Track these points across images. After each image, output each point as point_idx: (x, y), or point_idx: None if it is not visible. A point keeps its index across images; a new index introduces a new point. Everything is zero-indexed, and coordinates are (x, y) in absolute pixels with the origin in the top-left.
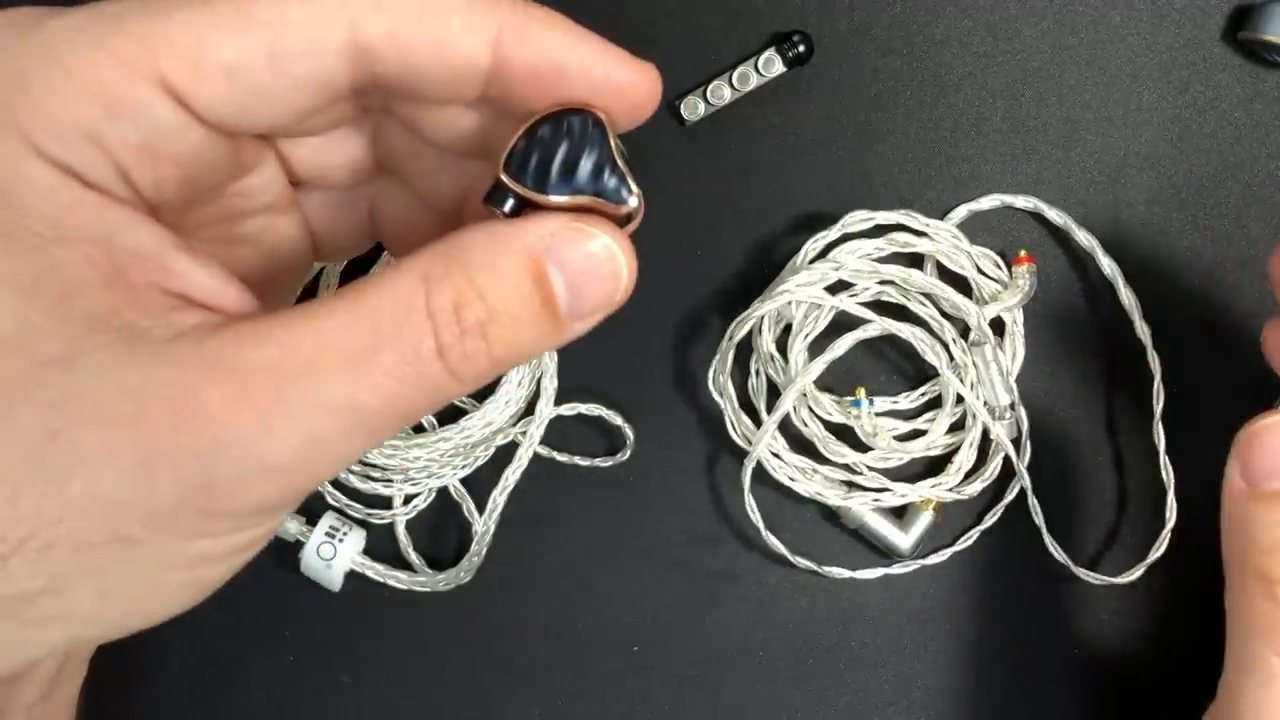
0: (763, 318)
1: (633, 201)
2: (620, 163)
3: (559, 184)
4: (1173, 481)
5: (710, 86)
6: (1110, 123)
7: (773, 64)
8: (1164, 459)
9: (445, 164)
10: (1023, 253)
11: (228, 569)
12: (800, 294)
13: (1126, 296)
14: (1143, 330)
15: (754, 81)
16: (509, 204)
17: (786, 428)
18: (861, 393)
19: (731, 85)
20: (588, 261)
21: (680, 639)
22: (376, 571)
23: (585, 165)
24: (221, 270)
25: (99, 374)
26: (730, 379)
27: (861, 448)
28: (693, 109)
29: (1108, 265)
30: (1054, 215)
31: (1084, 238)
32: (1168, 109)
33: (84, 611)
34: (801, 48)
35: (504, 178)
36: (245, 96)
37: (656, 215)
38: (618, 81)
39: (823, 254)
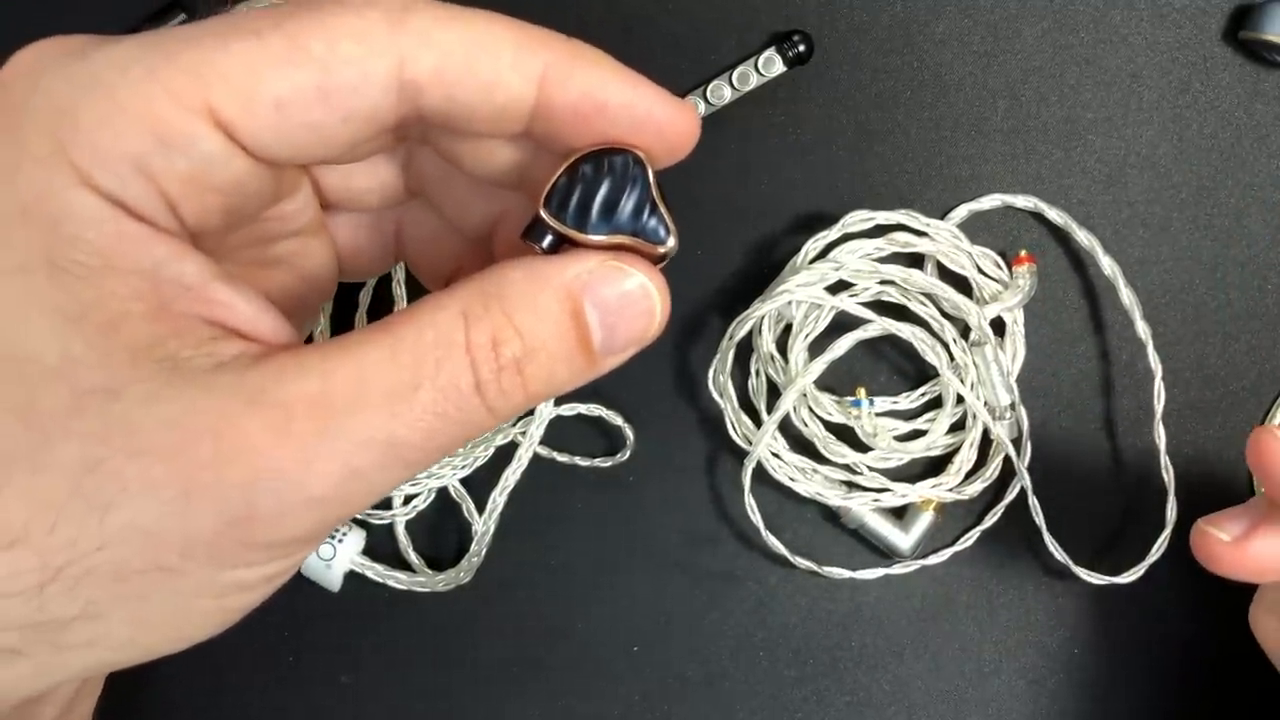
0: (763, 318)
1: (670, 242)
2: (659, 203)
3: (599, 223)
4: (1173, 481)
5: (710, 86)
6: (1110, 122)
7: (773, 64)
8: (1164, 459)
9: (477, 192)
10: (1023, 252)
11: (260, 596)
12: (800, 294)
13: (1126, 296)
14: (1143, 330)
15: (754, 81)
16: (547, 240)
17: (786, 428)
18: (862, 393)
19: (731, 85)
20: (623, 300)
21: (680, 639)
22: (376, 572)
23: (625, 205)
24: (260, 300)
25: (141, 405)
26: (730, 379)
27: (862, 448)
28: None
29: (1108, 265)
30: (1054, 215)
31: (1084, 237)
32: (1168, 108)
33: (117, 638)
34: (801, 47)
35: (544, 215)
36: (293, 130)
37: None
38: (659, 120)
39: (823, 254)
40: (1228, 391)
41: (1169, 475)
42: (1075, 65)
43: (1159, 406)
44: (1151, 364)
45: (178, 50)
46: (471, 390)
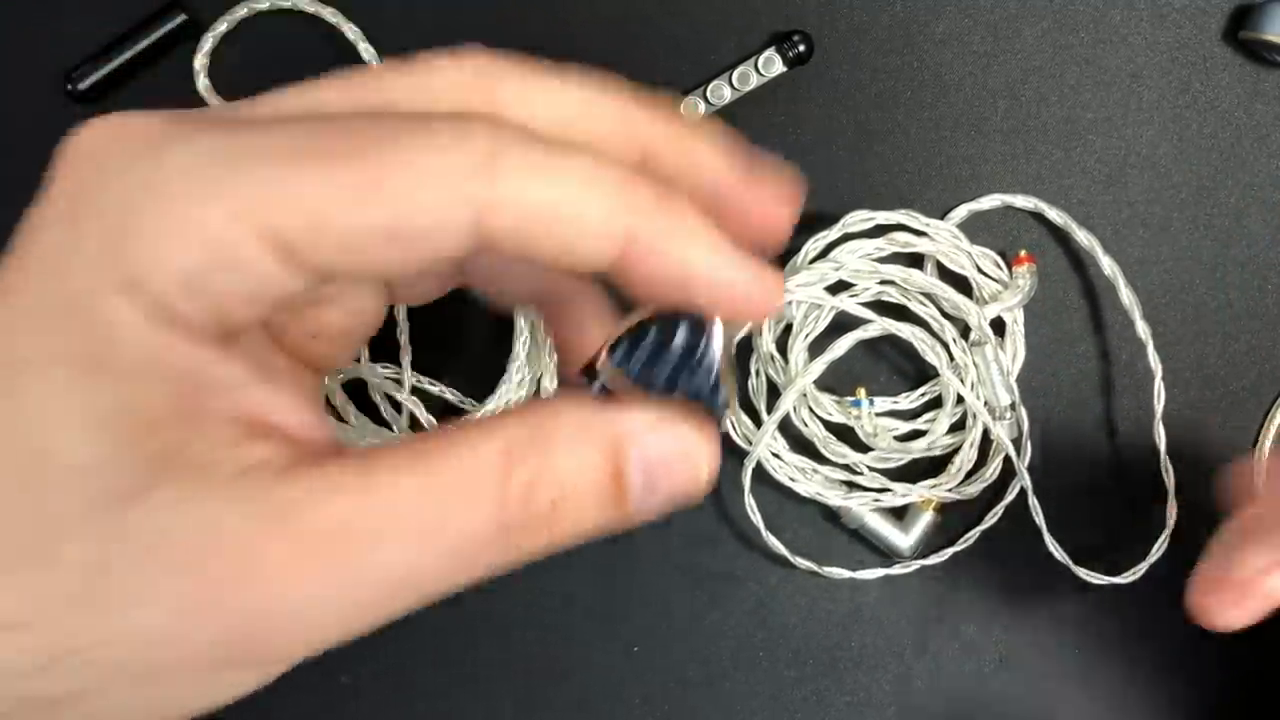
0: None
1: (727, 414)
2: (724, 376)
3: (660, 385)
4: (1173, 481)
5: (710, 86)
6: (1111, 122)
7: (773, 64)
8: (1164, 459)
9: None
10: (1023, 252)
11: (255, 687)
12: (800, 294)
13: (1127, 296)
14: (1143, 330)
15: (754, 81)
16: (597, 387)
17: (787, 428)
18: (862, 393)
19: (731, 85)
20: (667, 459)
21: (680, 639)
22: None
23: (689, 373)
24: (298, 397)
25: (160, 512)
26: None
27: (862, 448)
28: (693, 109)
29: (1108, 265)
30: (1054, 215)
31: (1084, 237)
32: (1168, 108)
33: (110, 715)
34: (801, 47)
35: (606, 363)
36: (356, 261)
37: None
38: (742, 294)
39: (823, 254)
40: (1228, 391)
41: (1169, 475)
42: (1075, 65)
43: (1159, 406)
44: (1152, 364)
45: (249, 166)
46: (498, 532)
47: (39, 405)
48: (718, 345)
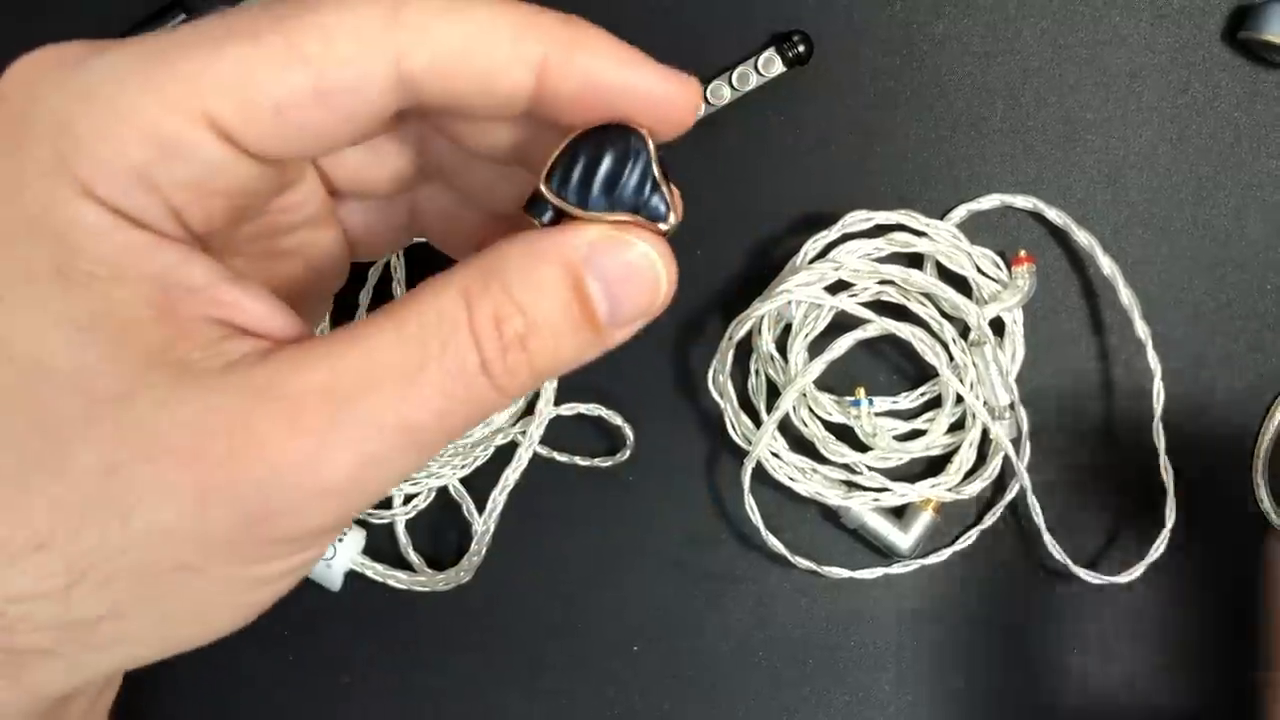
0: (763, 318)
1: (671, 219)
2: (661, 180)
3: (599, 199)
4: (1172, 481)
5: (710, 86)
6: (1110, 122)
7: (772, 64)
8: (1164, 459)
9: (489, 170)
10: (1022, 252)
11: (282, 589)
12: (800, 294)
13: (1126, 296)
14: (1142, 330)
15: (753, 81)
16: (548, 215)
17: (786, 427)
18: (861, 392)
19: (731, 85)
20: (626, 269)
21: (680, 639)
22: (376, 571)
23: (627, 182)
24: (269, 297)
25: (155, 409)
26: (730, 379)
27: (861, 447)
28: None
29: (1107, 265)
30: (1053, 215)
31: (1084, 237)
32: (1167, 108)
33: (143, 635)
34: (801, 48)
35: (544, 190)
36: (294, 131)
37: None
38: (659, 99)
39: (822, 254)
40: (1227, 391)
41: (1168, 475)
42: (1074, 65)
43: (1158, 407)
44: (1151, 364)
45: (174, 57)
46: (477, 369)
47: (24, 319)
48: (647, 153)
